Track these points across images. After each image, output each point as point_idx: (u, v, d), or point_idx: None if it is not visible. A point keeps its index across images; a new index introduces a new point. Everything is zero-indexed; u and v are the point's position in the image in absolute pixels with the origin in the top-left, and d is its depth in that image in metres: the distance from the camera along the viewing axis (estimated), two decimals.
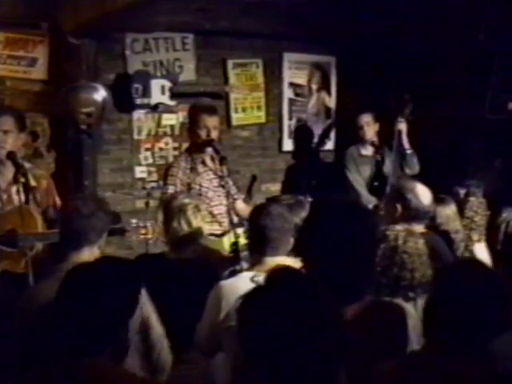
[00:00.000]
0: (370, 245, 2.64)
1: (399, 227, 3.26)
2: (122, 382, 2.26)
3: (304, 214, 3.74)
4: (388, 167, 6.15)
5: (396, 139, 6.04)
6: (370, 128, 6.42)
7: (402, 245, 3.09)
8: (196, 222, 3.82)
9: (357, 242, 2.48)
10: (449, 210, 4.38)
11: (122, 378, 2.28)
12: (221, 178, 5.00)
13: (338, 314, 1.93)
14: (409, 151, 6.09)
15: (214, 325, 3.08)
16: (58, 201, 4.48)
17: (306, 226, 2.73)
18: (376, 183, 6.24)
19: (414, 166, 6.10)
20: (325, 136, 7.60)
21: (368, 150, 6.45)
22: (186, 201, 3.91)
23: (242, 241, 4.40)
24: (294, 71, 7.37)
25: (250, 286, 2.14)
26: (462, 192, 5.28)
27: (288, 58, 7.28)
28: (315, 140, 7.54)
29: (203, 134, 5.02)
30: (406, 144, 6.08)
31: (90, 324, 2.21)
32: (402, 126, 6.05)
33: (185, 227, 3.78)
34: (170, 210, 3.86)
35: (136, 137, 6.41)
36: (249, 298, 1.91)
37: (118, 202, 6.16)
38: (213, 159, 5.12)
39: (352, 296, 2.45)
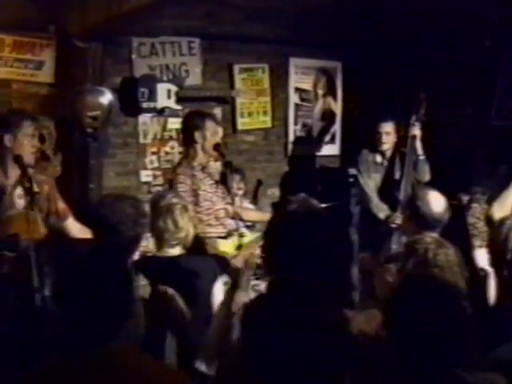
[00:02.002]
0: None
1: (428, 238, 3.14)
2: (149, 371, 2.23)
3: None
4: (399, 174, 5.91)
5: (410, 144, 5.79)
6: (388, 137, 6.05)
7: (432, 258, 2.96)
8: (183, 223, 3.79)
9: (320, 248, 2.44)
10: None
11: (149, 367, 2.24)
12: (217, 182, 5.02)
13: (341, 317, 1.92)
14: (421, 157, 5.82)
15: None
16: (61, 207, 4.37)
17: (271, 236, 2.68)
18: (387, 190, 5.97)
19: (424, 173, 5.84)
20: (330, 142, 7.59)
21: (383, 159, 6.14)
22: (174, 200, 3.89)
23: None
24: (300, 76, 7.38)
25: None
26: (466, 198, 5.27)
27: (294, 63, 7.29)
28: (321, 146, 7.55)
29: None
30: (419, 149, 5.82)
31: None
32: (417, 131, 5.77)
33: (171, 227, 3.77)
34: (158, 208, 3.86)
35: (142, 141, 6.42)
36: (251, 307, 1.90)
37: None
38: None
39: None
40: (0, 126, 4.13)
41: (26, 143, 4.14)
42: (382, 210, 5.87)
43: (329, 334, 1.82)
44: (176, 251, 3.82)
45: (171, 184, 4.96)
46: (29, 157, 4.14)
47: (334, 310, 1.94)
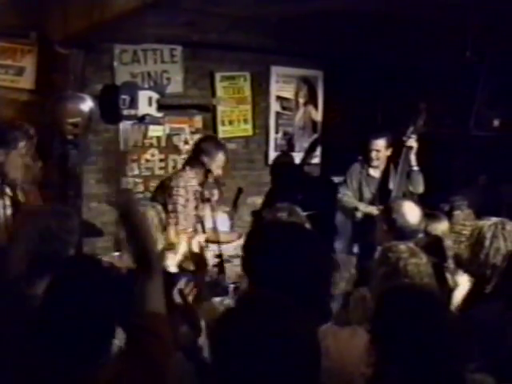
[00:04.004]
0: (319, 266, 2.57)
1: (402, 246, 3.17)
2: None
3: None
4: (392, 184, 5.90)
5: (404, 155, 5.75)
6: (379, 154, 6.04)
7: (402, 268, 3.00)
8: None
9: (305, 264, 2.43)
10: (443, 226, 4.37)
11: None
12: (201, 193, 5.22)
13: (311, 333, 1.89)
14: (415, 168, 5.79)
15: None
16: None
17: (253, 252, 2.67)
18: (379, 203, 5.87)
19: (418, 185, 5.81)
20: (311, 150, 7.62)
21: (376, 172, 6.14)
22: (148, 210, 3.88)
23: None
24: (282, 85, 7.40)
25: None
26: (446, 207, 5.29)
27: (275, 71, 7.32)
28: (302, 154, 7.57)
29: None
30: (413, 161, 5.77)
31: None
32: (413, 143, 5.72)
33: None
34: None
35: (122, 148, 6.39)
36: (220, 322, 1.87)
37: (103, 212, 6.15)
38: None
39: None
40: None
41: (18, 161, 4.15)
42: (367, 209, 5.94)
43: (299, 350, 1.79)
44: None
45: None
46: (18, 172, 4.14)
47: (305, 325, 1.90)
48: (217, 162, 5.28)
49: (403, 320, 2.26)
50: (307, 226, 3.70)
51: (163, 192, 5.20)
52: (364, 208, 5.99)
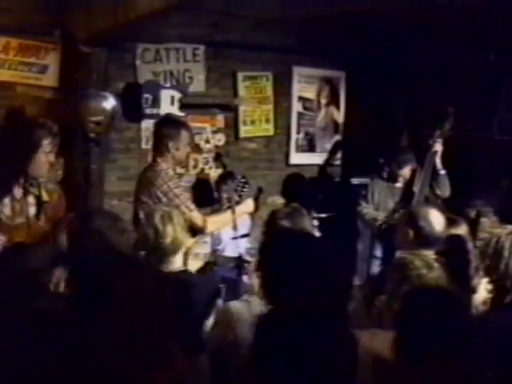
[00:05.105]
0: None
1: (418, 262, 3.11)
2: None
3: (306, 222, 3.75)
4: (416, 188, 5.86)
5: (429, 159, 5.72)
6: (405, 176, 6.08)
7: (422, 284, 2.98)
8: (163, 229, 3.63)
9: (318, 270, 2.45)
10: (461, 231, 4.35)
11: None
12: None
13: (348, 336, 1.93)
14: (442, 172, 5.79)
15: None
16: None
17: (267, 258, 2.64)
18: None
19: (445, 188, 5.82)
20: (333, 151, 7.61)
21: (400, 182, 6.14)
22: (158, 208, 3.88)
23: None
24: (304, 85, 7.39)
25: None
26: (473, 213, 5.24)
27: (298, 71, 7.31)
28: (323, 155, 7.56)
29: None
30: (439, 164, 5.77)
31: None
32: (439, 147, 5.70)
33: (150, 234, 3.63)
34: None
35: (144, 146, 6.41)
36: (262, 325, 1.91)
37: (123, 210, 6.16)
38: None
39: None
40: (21, 140, 4.15)
41: (43, 159, 4.17)
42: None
43: (337, 352, 1.83)
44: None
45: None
46: (43, 170, 4.17)
47: (341, 328, 1.95)
48: (182, 142, 4.84)
49: (427, 321, 2.30)
50: (314, 228, 3.70)
51: (150, 195, 4.73)
52: (384, 218, 5.95)
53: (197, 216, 4.65)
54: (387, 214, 5.95)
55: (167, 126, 4.89)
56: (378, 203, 6.18)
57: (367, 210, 6.17)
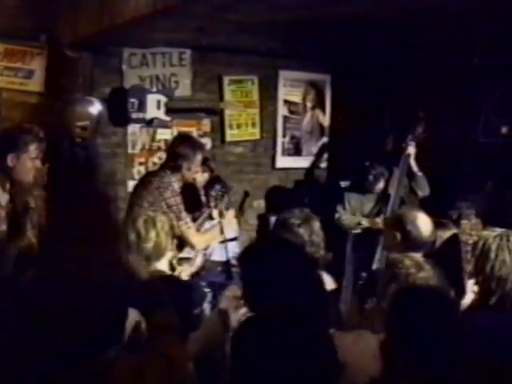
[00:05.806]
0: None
1: (408, 261, 3.10)
2: None
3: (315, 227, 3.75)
4: (391, 189, 5.99)
5: (403, 162, 5.82)
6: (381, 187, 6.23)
7: (412, 284, 2.96)
8: (145, 234, 3.63)
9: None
10: (449, 234, 4.39)
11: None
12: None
13: (327, 338, 1.94)
14: (419, 173, 5.92)
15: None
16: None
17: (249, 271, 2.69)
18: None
19: (425, 188, 5.95)
20: (319, 154, 7.63)
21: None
22: (142, 213, 3.89)
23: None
24: (289, 89, 7.42)
25: None
26: (455, 215, 5.29)
27: (283, 75, 7.33)
28: (309, 158, 7.58)
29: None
30: (414, 166, 5.90)
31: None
32: (412, 150, 5.82)
33: (132, 237, 3.64)
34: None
35: (130, 151, 6.42)
36: (241, 330, 1.93)
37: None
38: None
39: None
40: (6, 145, 4.11)
41: (29, 164, 4.14)
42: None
43: (316, 355, 1.85)
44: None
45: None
46: (29, 175, 4.15)
47: (320, 331, 1.96)
48: (195, 164, 5.01)
49: (416, 321, 2.31)
50: (320, 230, 3.71)
51: (153, 203, 4.80)
52: (366, 222, 6.06)
53: (193, 234, 4.83)
54: (365, 218, 6.11)
55: (185, 147, 4.98)
56: (354, 208, 6.30)
57: (345, 216, 6.29)
